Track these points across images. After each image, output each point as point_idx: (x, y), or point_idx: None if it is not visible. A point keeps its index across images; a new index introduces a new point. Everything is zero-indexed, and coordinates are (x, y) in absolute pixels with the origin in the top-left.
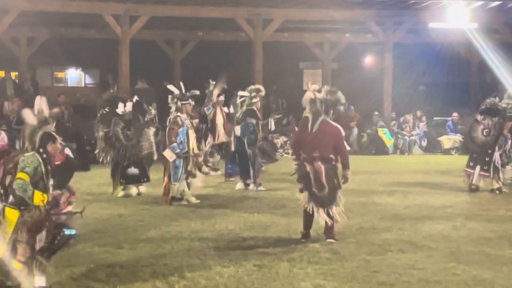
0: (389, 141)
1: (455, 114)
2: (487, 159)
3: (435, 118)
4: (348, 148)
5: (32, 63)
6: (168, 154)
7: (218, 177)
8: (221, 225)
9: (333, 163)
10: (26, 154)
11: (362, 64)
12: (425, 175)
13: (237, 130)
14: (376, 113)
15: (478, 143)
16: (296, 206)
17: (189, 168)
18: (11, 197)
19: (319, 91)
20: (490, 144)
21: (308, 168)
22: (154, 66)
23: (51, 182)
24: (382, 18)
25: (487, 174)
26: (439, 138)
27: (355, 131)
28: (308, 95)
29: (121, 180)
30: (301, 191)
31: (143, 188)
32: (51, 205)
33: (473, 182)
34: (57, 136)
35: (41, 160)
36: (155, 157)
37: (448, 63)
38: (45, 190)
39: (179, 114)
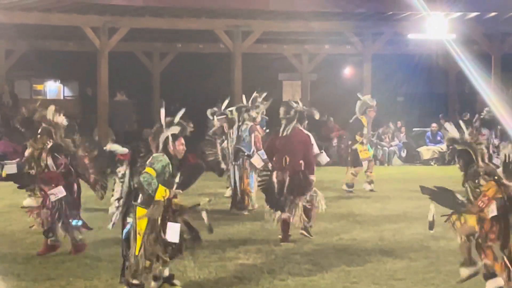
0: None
1: (434, 124)
2: None
3: (414, 129)
4: (327, 159)
5: (10, 75)
6: (257, 160)
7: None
8: (201, 237)
9: (302, 169)
10: (154, 154)
11: (341, 75)
12: (405, 185)
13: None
14: None
15: None
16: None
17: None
18: (140, 197)
19: (297, 102)
20: None
21: (275, 177)
22: (133, 78)
23: (176, 179)
24: (361, 29)
25: None
26: (419, 149)
27: (335, 142)
28: (285, 104)
29: None
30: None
31: None
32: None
33: None
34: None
35: (169, 161)
36: (223, 166)
37: (427, 74)
38: (170, 187)
39: (253, 123)
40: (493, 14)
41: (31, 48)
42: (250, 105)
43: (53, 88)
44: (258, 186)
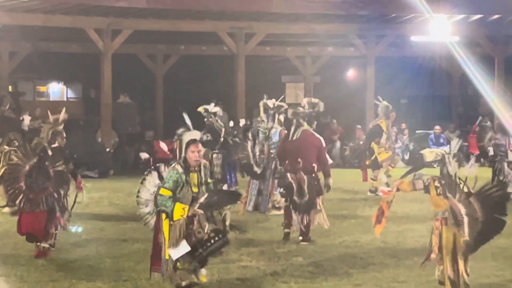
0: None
1: (437, 127)
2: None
3: (417, 131)
4: (330, 161)
5: (14, 77)
6: None
7: None
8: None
9: (315, 171)
10: (170, 167)
11: (344, 77)
12: None
13: None
14: (359, 126)
15: None
16: (279, 219)
17: None
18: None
19: (301, 104)
20: None
21: (290, 178)
22: (136, 80)
23: (202, 198)
24: (364, 31)
25: None
26: (422, 151)
27: (338, 144)
28: (292, 109)
29: None
30: (283, 197)
31: None
32: (189, 219)
33: None
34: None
35: (182, 170)
36: (255, 169)
37: (430, 76)
38: (188, 200)
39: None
40: (496, 16)
41: (34, 49)
42: (276, 109)
43: (56, 89)
44: (281, 195)
